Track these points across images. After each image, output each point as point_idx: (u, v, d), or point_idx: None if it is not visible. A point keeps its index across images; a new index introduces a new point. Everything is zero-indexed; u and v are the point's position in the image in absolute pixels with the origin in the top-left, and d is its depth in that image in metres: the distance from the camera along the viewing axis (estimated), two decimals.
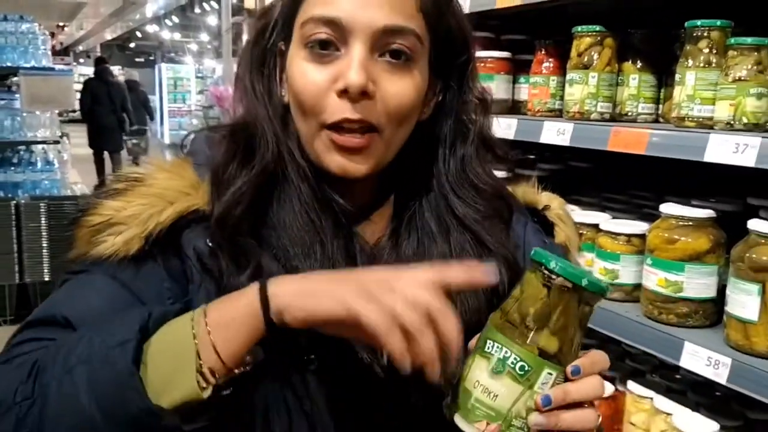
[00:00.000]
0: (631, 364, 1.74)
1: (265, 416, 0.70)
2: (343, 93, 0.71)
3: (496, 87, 1.88)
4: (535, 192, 0.96)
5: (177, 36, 17.18)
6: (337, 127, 0.72)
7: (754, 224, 1.22)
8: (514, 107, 1.93)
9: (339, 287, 0.62)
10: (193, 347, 0.62)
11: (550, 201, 0.96)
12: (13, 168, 5.19)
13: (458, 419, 0.66)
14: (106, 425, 0.60)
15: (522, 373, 0.64)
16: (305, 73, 0.73)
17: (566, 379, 0.66)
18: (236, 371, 0.64)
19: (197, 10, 11.18)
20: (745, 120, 1.22)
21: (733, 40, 1.25)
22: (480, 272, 0.64)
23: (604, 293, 0.67)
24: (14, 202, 4.56)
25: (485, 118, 0.86)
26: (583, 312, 0.67)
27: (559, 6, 1.66)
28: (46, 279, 4.60)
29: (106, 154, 9.34)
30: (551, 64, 1.75)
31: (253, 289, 0.64)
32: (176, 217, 0.73)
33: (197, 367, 0.61)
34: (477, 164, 0.84)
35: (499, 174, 0.93)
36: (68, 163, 6.14)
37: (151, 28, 16.19)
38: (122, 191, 0.74)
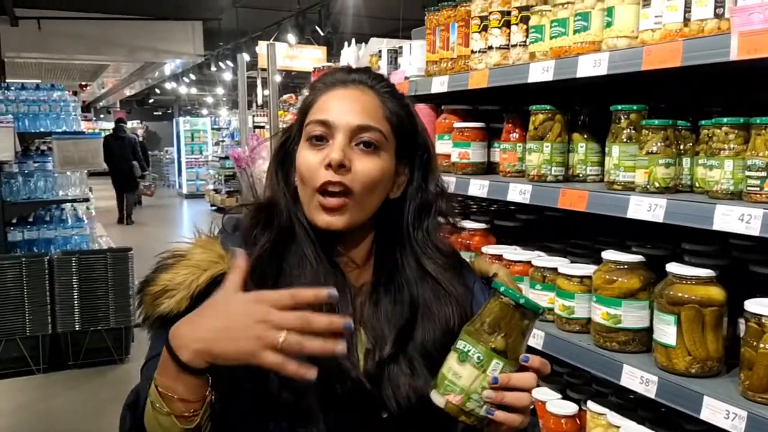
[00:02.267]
0: (596, 387, 2.01)
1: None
2: (328, 166, 1.03)
3: (473, 152, 2.21)
4: (489, 265, 1.30)
5: (193, 90, 17.89)
6: (324, 191, 1.03)
7: (670, 267, 1.52)
8: (489, 168, 2.26)
9: (228, 335, 0.85)
10: (164, 410, 0.88)
11: (497, 270, 1.28)
12: (45, 225, 5.57)
13: (433, 394, 0.98)
14: None
15: (478, 361, 0.95)
16: (306, 157, 1.06)
17: (518, 371, 0.96)
18: (207, 399, 0.89)
19: (213, 68, 11.78)
20: (657, 184, 1.53)
21: (645, 122, 1.57)
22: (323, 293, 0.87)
23: (538, 311, 0.97)
24: (47, 257, 4.88)
25: (444, 200, 1.18)
26: (524, 324, 0.97)
27: (521, 84, 1.99)
28: (77, 328, 4.91)
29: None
30: (517, 134, 2.07)
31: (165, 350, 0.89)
32: (209, 279, 1.01)
33: (175, 416, 0.88)
34: (439, 232, 1.17)
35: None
36: (95, 218, 6.54)
37: (169, 85, 16.89)
38: (171, 265, 1.03)
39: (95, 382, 4.64)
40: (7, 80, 7.14)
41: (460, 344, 0.97)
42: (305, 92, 1.15)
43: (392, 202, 1.13)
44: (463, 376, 0.95)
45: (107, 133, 12.23)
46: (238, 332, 0.85)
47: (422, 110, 2.48)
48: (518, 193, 1.89)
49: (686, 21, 1.44)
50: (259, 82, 11.30)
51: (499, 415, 0.94)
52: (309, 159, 1.05)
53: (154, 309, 1.01)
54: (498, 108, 2.33)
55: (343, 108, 1.07)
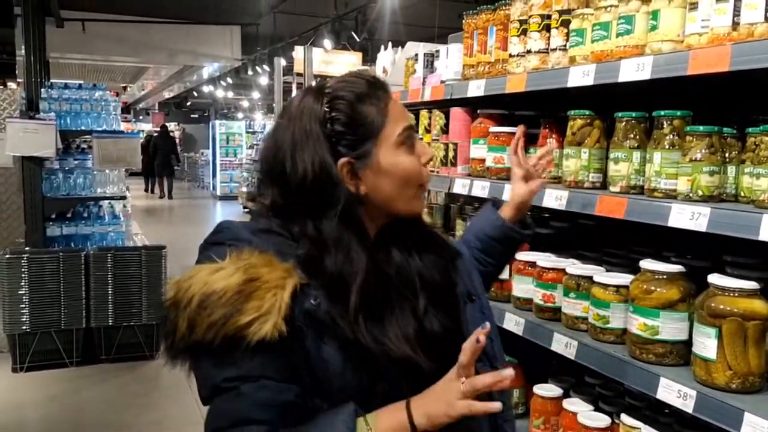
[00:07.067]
0: (629, 400, 1.96)
1: None
2: (429, 161, 1.19)
3: (508, 157, 2.17)
4: None
5: (230, 94, 18.18)
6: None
7: (712, 278, 1.47)
8: None
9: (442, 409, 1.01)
10: None
11: None
12: (83, 222, 5.68)
13: None
14: None
15: None
16: (411, 161, 1.16)
17: None
18: None
19: (250, 72, 11.92)
20: (700, 192, 1.48)
21: (689, 128, 1.52)
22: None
23: None
24: (84, 253, 4.98)
25: None
26: None
27: (559, 89, 1.96)
28: (110, 323, 4.99)
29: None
30: (554, 139, 2.04)
31: (403, 410, 1.02)
32: (291, 297, 1.02)
33: None
34: None
35: None
36: (131, 216, 6.65)
37: (206, 88, 17.20)
38: (251, 292, 1.00)
39: (126, 376, 4.70)
40: (51, 80, 7.31)
41: None
42: (342, 105, 1.13)
43: None
44: None
45: (153, 134, 18.11)
46: (438, 394, 1.03)
47: (457, 114, 2.47)
48: (554, 199, 1.86)
49: (735, 25, 1.40)
50: (294, 86, 11.40)
51: None
52: (413, 162, 1.16)
53: (245, 338, 0.99)
54: (534, 113, 2.30)
55: (406, 112, 1.20)
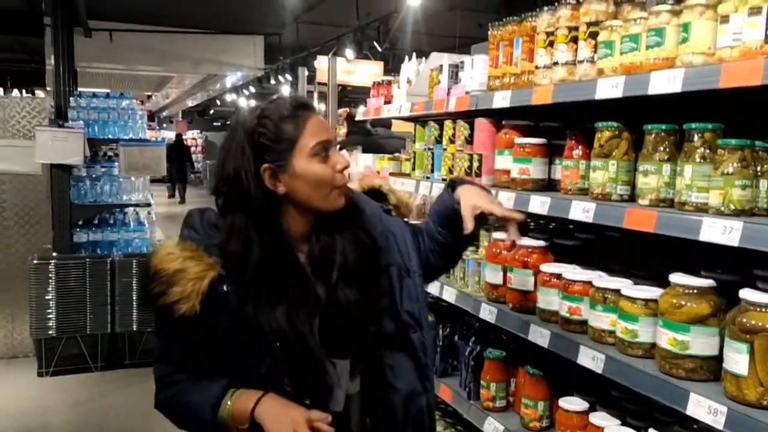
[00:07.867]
0: (657, 415, 1.93)
1: None
2: (343, 169, 1.45)
3: (533, 168, 2.17)
4: (372, 180, 1.78)
5: (252, 103, 18.39)
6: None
7: (743, 293, 1.45)
8: (550, 185, 2.22)
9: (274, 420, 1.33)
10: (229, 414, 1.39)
11: (380, 183, 1.76)
12: (109, 228, 5.76)
13: None
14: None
15: None
16: (322, 169, 1.43)
17: None
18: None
19: (272, 81, 12.02)
20: (732, 206, 1.46)
21: (720, 141, 1.51)
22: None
23: None
24: (110, 259, 5.05)
25: None
26: None
27: (586, 101, 1.95)
28: (135, 329, 5.05)
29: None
30: (580, 151, 2.03)
31: (251, 405, 1.35)
32: (209, 286, 1.36)
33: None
34: None
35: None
36: (155, 223, 6.72)
37: (229, 97, 17.38)
38: (177, 280, 1.35)
39: (150, 381, 4.66)
40: (79, 89, 7.43)
41: None
42: (268, 123, 1.42)
43: None
44: None
45: (170, 141, 17.50)
46: (285, 407, 1.36)
47: (482, 125, 2.47)
48: (581, 211, 1.85)
49: (767, 38, 1.38)
50: (315, 95, 11.46)
51: None
52: (325, 168, 1.43)
53: (173, 311, 1.35)
54: (559, 124, 2.29)
55: (326, 129, 1.46)
